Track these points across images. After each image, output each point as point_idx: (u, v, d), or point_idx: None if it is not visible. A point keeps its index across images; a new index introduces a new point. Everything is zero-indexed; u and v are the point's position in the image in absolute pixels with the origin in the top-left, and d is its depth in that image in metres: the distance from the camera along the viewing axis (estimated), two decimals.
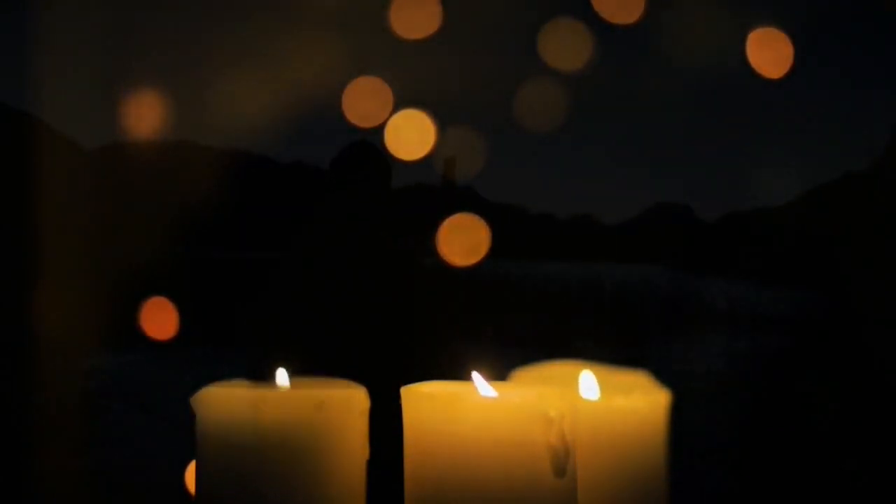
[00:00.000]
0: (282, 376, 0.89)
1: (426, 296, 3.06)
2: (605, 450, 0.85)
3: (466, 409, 0.77)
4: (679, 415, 0.88)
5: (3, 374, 4.25)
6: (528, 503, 0.75)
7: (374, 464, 0.88)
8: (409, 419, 0.80)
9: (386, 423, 0.96)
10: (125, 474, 6.30)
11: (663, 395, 0.88)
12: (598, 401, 0.87)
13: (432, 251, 3.18)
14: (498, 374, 0.84)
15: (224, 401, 0.83)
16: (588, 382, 0.88)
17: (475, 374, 0.81)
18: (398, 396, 0.81)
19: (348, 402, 0.85)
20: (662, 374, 0.90)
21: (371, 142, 3.07)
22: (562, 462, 0.76)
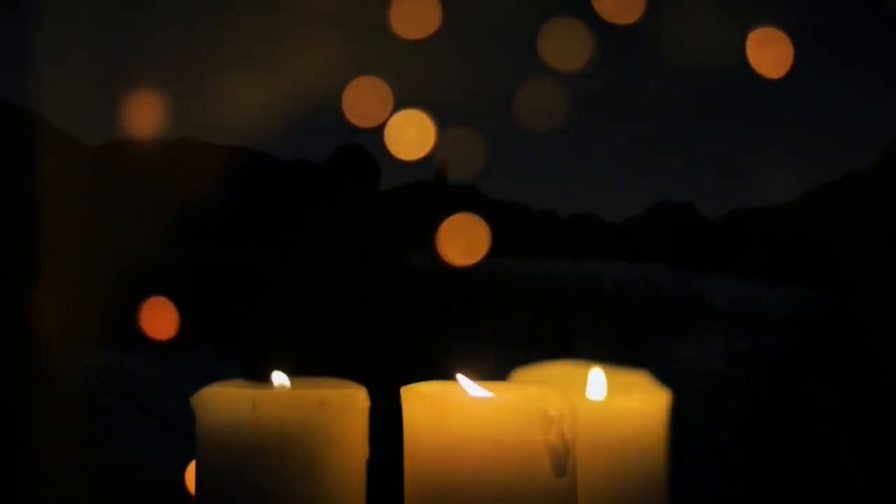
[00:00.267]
0: (282, 376, 0.89)
1: (425, 296, 3.08)
2: (605, 450, 0.85)
3: (466, 409, 0.77)
4: (679, 415, 0.88)
5: (3, 373, 4.25)
6: (527, 503, 0.75)
7: (374, 464, 0.88)
8: (409, 419, 0.80)
9: (386, 423, 0.96)
10: (125, 474, 6.30)
11: (663, 395, 0.88)
12: (598, 401, 0.87)
13: (431, 250, 3.19)
14: (498, 374, 0.84)
15: (224, 401, 0.83)
16: (597, 381, 0.88)
17: (460, 377, 0.81)
18: (398, 396, 0.81)
19: (348, 401, 0.85)
20: (662, 374, 0.90)
21: (360, 145, 3.11)
22: (561, 462, 0.76)
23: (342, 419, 0.84)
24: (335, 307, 2.90)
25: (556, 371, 0.90)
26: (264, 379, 0.89)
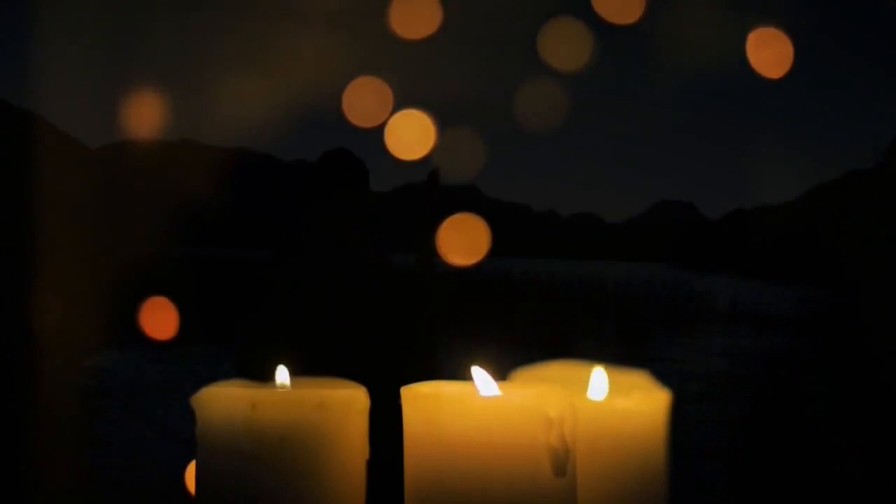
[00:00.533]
0: (282, 376, 0.89)
1: (416, 296, 3.10)
2: (605, 450, 0.85)
3: (466, 409, 0.77)
4: (679, 415, 0.88)
5: (2, 374, 4.25)
6: (527, 503, 0.75)
7: (374, 464, 0.88)
8: (409, 419, 0.80)
9: (386, 423, 0.96)
10: (125, 474, 6.31)
11: (663, 395, 0.88)
12: (598, 401, 0.87)
13: (425, 251, 3.21)
14: (498, 374, 0.83)
15: (224, 401, 0.83)
16: (599, 381, 0.88)
17: (475, 369, 0.81)
18: (398, 396, 0.81)
19: (348, 401, 0.85)
20: (662, 374, 0.89)
21: (346, 148, 3.15)
22: (562, 462, 0.76)
23: (342, 420, 0.84)
24: (322, 308, 2.92)
25: (556, 371, 0.90)
26: (256, 376, 0.89)
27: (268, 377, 0.89)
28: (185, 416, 0.89)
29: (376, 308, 2.95)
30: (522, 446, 0.75)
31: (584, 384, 0.89)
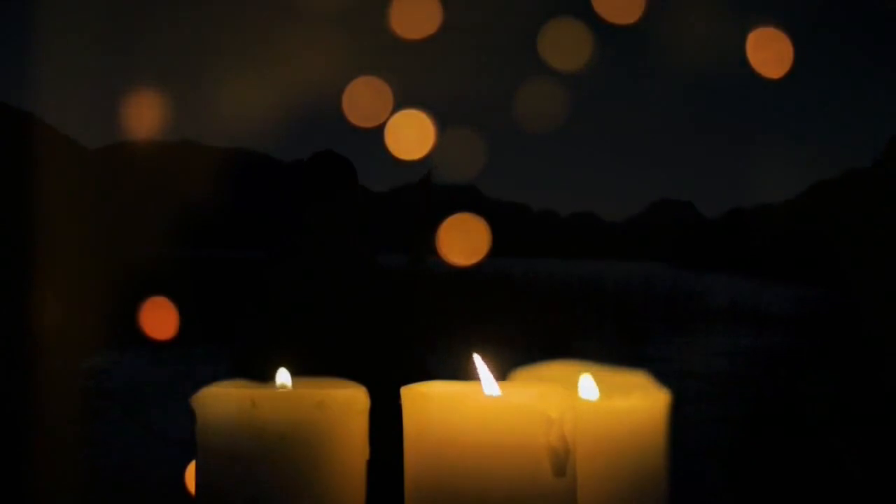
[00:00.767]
0: (283, 377, 0.89)
1: (406, 297, 3.11)
2: (605, 450, 0.85)
3: (466, 410, 0.77)
4: (678, 414, 0.88)
5: (2, 374, 4.26)
6: (527, 503, 0.75)
7: (374, 464, 0.88)
8: (409, 419, 0.80)
9: (386, 423, 0.96)
10: (124, 474, 6.30)
11: (663, 395, 0.88)
12: (597, 401, 0.87)
13: (417, 252, 3.23)
14: (498, 374, 0.83)
15: (224, 401, 0.83)
16: (587, 386, 0.88)
17: (476, 357, 0.81)
18: (398, 396, 0.81)
19: (348, 401, 0.85)
20: (662, 374, 0.89)
21: (336, 151, 3.17)
22: (562, 462, 0.76)
23: (342, 419, 0.84)
24: (314, 309, 2.93)
25: (556, 371, 0.90)
26: (252, 374, 0.89)
27: (265, 378, 0.89)
28: (183, 417, 0.89)
29: (366, 307, 2.96)
30: (522, 446, 0.75)
31: None
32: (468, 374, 0.82)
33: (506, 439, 0.75)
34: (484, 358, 0.81)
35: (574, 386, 0.88)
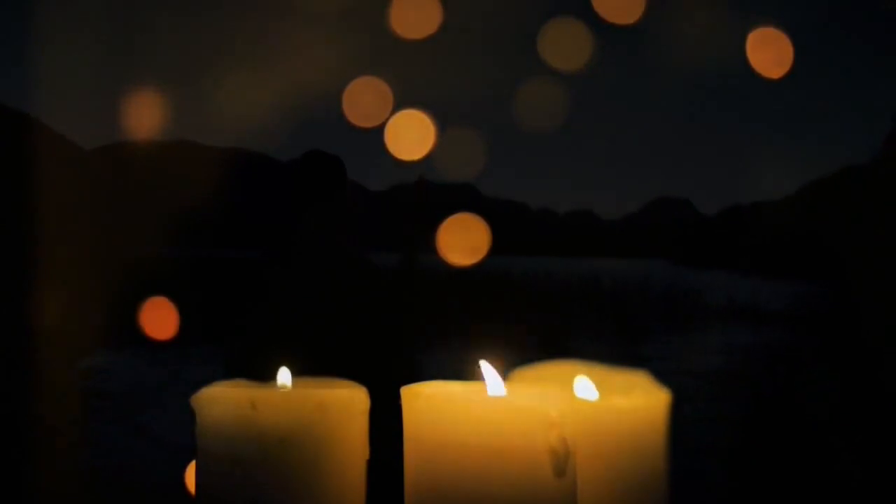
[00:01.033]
0: (284, 377, 0.89)
1: (396, 296, 3.13)
2: (605, 450, 0.85)
3: (467, 410, 0.77)
4: (677, 413, 0.88)
5: (1, 374, 4.25)
6: (527, 503, 0.75)
7: (374, 464, 0.88)
8: (409, 419, 0.80)
9: (386, 423, 0.96)
10: (124, 474, 6.30)
11: (663, 395, 0.88)
12: (597, 401, 0.87)
13: (411, 249, 3.25)
14: (498, 373, 0.83)
15: (224, 401, 0.83)
16: (583, 387, 0.88)
17: (483, 363, 0.81)
18: (398, 396, 0.81)
19: (348, 402, 0.85)
20: (661, 373, 0.89)
21: (325, 151, 3.19)
22: (562, 462, 0.76)
23: (342, 420, 0.84)
24: (309, 309, 2.94)
25: (556, 371, 0.90)
26: (247, 373, 0.89)
27: (264, 378, 0.89)
28: (183, 418, 0.89)
29: (359, 305, 2.97)
30: (522, 447, 0.75)
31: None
32: (468, 373, 0.82)
33: (506, 440, 0.75)
34: (491, 363, 0.81)
35: (573, 386, 0.87)
